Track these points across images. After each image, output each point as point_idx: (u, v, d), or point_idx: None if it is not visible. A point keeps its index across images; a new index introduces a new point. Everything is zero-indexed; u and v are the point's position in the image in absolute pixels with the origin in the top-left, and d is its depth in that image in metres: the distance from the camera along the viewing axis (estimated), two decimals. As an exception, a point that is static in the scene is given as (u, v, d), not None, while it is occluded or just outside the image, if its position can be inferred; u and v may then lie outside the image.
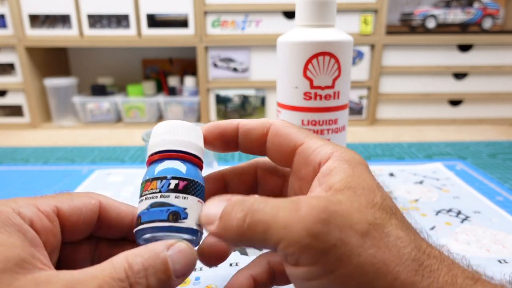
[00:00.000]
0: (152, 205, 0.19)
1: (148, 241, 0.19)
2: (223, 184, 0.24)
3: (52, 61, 1.14)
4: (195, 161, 0.21)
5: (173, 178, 0.19)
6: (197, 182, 0.20)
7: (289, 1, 0.98)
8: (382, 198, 0.18)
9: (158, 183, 0.19)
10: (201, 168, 0.22)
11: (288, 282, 0.22)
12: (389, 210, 0.17)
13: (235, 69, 1.04)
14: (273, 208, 0.17)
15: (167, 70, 1.21)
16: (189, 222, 0.19)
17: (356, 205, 0.17)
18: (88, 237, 0.22)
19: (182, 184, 0.19)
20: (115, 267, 0.15)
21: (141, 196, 0.20)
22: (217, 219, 0.18)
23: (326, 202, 0.16)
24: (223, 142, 0.23)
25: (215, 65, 1.04)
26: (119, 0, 0.99)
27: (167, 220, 0.18)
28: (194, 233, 0.19)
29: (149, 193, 0.19)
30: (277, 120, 0.22)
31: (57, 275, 0.15)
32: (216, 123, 0.23)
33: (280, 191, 0.24)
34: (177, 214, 0.19)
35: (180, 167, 0.20)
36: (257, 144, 0.23)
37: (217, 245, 0.18)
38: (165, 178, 0.19)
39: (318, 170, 0.19)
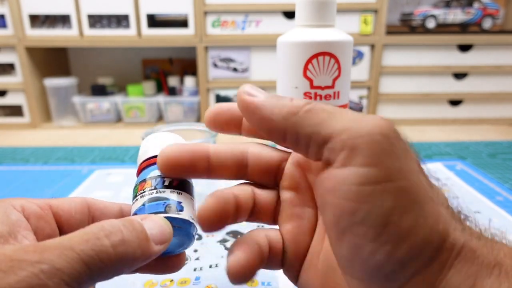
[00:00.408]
0: (149, 200, 0.19)
1: None
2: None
3: (52, 61, 1.14)
4: None
5: (166, 177, 0.20)
6: (188, 181, 0.21)
7: (289, 1, 0.98)
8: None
9: (152, 182, 0.20)
10: None
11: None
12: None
13: (235, 69, 1.04)
14: (341, 109, 0.16)
15: (167, 70, 1.21)
16: (184, 214, 0.19)
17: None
18: None
19: (176, 181, 0.20)
20: (90, 227, 0.15)
21: (135, 197, 0.20)
22: (264, 95, 0.17)
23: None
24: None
25: (215, 65, 1.04)
26: (119, 0, 0.99)
27: (164, 212, 0.18)
28: (189, 225, 0.19)
29: (144, 192, 0.20)
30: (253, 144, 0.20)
31: (23, 246, 0.14)
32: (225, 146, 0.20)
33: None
34: (173, 207, 0.19)
35: None
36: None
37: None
38: (159, 177, 0.20)
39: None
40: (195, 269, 0.29)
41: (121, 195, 0.43)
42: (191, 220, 0.19)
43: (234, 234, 0.34)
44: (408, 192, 0.14)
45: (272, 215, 0.20)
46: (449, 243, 0.14)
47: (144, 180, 0.20)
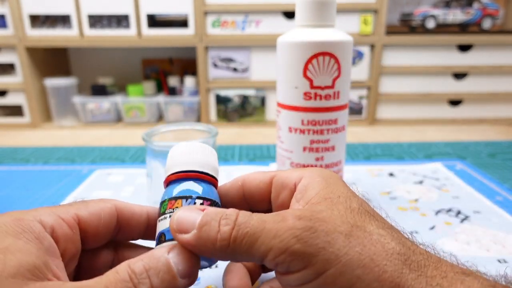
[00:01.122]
0: None
1: None
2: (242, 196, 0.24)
3: (52, 61, 1.14)
4: (211, 180, 0.22)
5: (198, 197, 0.20)
6: (217, 202, 0.21)
7: (289, 1, 0.98)
8: (359, 204, 0.19)
9: (183, 202, 0.19)
10: (216, 186, 0.22)
11: None
12: (367, 214, 0.18)
13: (235, 69, 1.04)
14: (259, 220, 0.17)
15: (167, 70, 1.21)
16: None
17: (336, 212, 0.18)
18: (106, 245, 0.22)
19: (206, 203, 0.20)
20: (118, 272, 0.16)
21: (163, 213, 0.20)
22: (194, 228, 0.17)
23: (310, 211, 0.17)
24: None
25: (215, 65, 1.04)
26: (119, 0, 0.99)
27: None
28: (207, 258, 0.19)
29: (173, 212, 0.19)
30: (247, 175, 0.23)
31: (64, 284, 0.15)
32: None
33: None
34: None
35: (196, 188, 0.20)
36: (238, 200, 0.23)
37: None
38: (190, 197, 0.20)
39: (294, 190, 0.21)
40: (195, 269, 0.29)
41: (121, 195, 0.43)
42: None
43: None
44: (342, 276, 0.16)
45: None
46: None
47: (174, 198, 0.20)
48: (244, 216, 0.17)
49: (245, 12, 0.99)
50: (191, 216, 0.18)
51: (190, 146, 0.22)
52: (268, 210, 0.23)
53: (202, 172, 0.21)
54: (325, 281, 0.16)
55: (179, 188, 0.20)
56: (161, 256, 0.17)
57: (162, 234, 0.19)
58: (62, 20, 1.02)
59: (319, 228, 0.16)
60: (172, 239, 0.18)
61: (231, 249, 0.17)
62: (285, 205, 0.21)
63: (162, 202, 0.20)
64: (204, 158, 0.22)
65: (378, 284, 0.15)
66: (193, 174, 0.21)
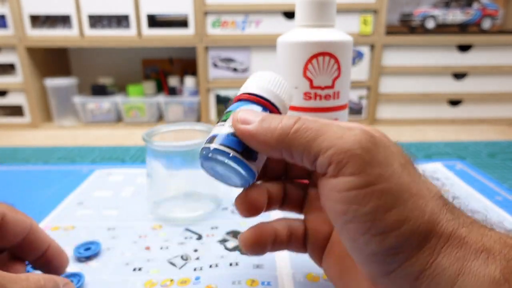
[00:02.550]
0: (234, 134, 0.20)
1: (209, 160, 0.20)
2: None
3: (52, 61, 1.14)
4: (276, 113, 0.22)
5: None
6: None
7: (289, 1, 0.98)
8: (406, 159, 0.19)
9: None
10: None
11: (300, 249, 0.23)
12: (414, 165, 0.19)
13: (235, 69, 1.04)
14: (327, 122, 0.18)
15: (167, 70, 1.21)
16: (255, 164, 0.20)
17: (393, 149, 0.18)
18: None
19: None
20: (30, 279, 0.19)
21: (223, 120, 0.21)
22: (257, 120, 0.19)
23: (373, 132, 0.18)
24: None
25: (215, 65, 1.04)
26: (119, 1, 0.99)
27: (241, 153, 0.19)
28: (252, 175, 0.20)
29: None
30: None
31: None
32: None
33: None
34: (251, 154, 0.20)
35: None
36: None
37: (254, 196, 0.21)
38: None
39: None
40: (195, 269, 0.29)
41: (121, 195, 0.43)
42: (255, 172, 0.20)
43: (234, 234, 0.34)
44: (389, 193, 0.16)
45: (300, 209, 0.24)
46: (438, 231, 0.16)
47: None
48: (310, 117, 0.19)
49: (245, 12, 0.99)
50: (254, 112, 0.20)
51: (274, 77, 0.23)
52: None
53: (273, 104, 0.22)
54: (372, 193, 0.16)
55: (246, 107, 0.21)
56: (60, 283, 0.21)
57: (214, 136, 0.20)
58: (63, 20, 1.02)
59: (382, 146, 0.17)
60: (225, 145, 0.19)
61: (289, 139, 0.18)
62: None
63: (226, 113, 0.21)
64: (281, 94, 0.22)
65: (419, 213, 0.16)
66: (265, 102, 0.22)
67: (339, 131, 0.17)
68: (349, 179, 0.17)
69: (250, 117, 0.19)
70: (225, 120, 0.21)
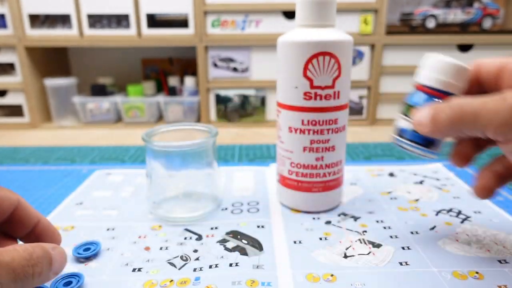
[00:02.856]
0: (415, 130, 0.26)
1: (400, 147, 0.28)
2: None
3: (52, 61, 1.14)
4: None
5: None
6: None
7: (289, 1, 0.98)
8: None
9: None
10: None
11: None
12: None
13: (235, 69, 1.04)
14: (481, 101, 0.21)
15: (167, 70, 1.21)
16: (435, 146, 0.27)
17: None
18: None
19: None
20: (17, 249, 0.20)
21: (405, 114, 0.27)
22: (429, 120, 0.23)
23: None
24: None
25: (215, 65, 1.04)
26: (119, 0, 0.99)
27: (422, 144, 0.26)
28: (433, 154, 0.27)
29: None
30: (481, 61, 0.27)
31: None
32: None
33: None
34: (431, 141, 0.26)
35: None
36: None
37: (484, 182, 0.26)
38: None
39: None
40: (195, 269, 0.29)
41: (121, 195, 0.43)
42: (435, 155, 0.27)
43: (234, 234, 0.34)
44: None
45: None
46: None
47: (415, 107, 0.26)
48: (467, 98, 0.22)
49: (245, 12, 0.99)
50: (425, 113, 0.24)
51: (448, 63, 0.26)
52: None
53: (447, 93, 0.26)
54: None
55: (422, 104, 0.26)
56: (48, 250, 0.22)
57: (401, 130, 0.27)
58: (62, 20, 1.02)
59: None
60: (411, 140, 0.27)
61: (457, 124, 0.22)
62: None
63: (407, 105, 0.27)
64: (455, 80, 0.26)
65: None
66: (439, 94, 0.26)
67: (494, 104, 0.21)
68: None
69: (424, 119, 0.24)
70: (405, 114, 0.27)
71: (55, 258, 0.22)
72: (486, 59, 0.26)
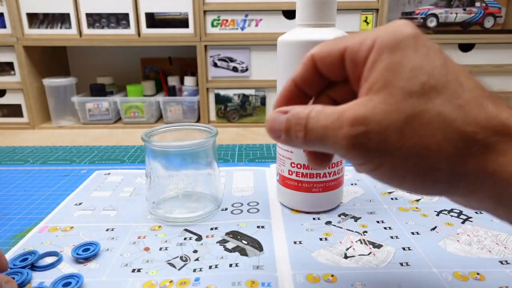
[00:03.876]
0: None
1: None
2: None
3: (51, 60, 1.14)
4: None
5: None
6: None
7: (289, 0, 0.97)
8: (426, 76, 0.17)
9: None
10: None
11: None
12: (433, 89, 0.17)
13: (235, 69, 1.04)
14: (323, 127, 0.18)
15: (167, 69, 1.20)
16: None
17: (391, 102, 0.17)
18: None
19: None
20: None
21: None
22: (282, 133, 0.20)
23: (365, 108, 0.17)
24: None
25: (215, 65, 1.03)
26: (118, 0, 0.99)
27: None
28: None
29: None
30: (316, 52, 0.21)
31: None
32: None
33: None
34: None
35: None
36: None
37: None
38: None
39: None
40: (194, 270, 0.29)
41: (120, 196, 0.43)
42: None
43: (234, 234, 0.34)
44: (399, 165, 0.17)
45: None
46: (501, 128, 0.16)
47: None
48: (313, 119, 0.19)
49: (245, 11, 0.99)
50: (278, 121, 0.20)
51: None
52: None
53: None
54: (386, 171, 0.18)
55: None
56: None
57: None
58: (61, 19, 1.02)
59: (373, 130, 0.17)
60: None
61: (310, 147, 0.20)
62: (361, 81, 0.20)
63: None
64: None
65: (436, 170, 0.17)
66: None
67: (333, 134, 0.18)
68: (364, 167, 0.18)
69: (276, 130, 0.21)
70: None
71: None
72: (320, 53, 0.21)
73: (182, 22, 1.02)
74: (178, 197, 0.39)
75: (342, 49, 0.20)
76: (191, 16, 1.00)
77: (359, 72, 0.19)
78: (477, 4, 1.05)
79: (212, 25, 1.01)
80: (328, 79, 0.22)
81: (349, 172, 0.49)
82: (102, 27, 1.02)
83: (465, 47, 1.03)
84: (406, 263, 0.29)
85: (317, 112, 0.19)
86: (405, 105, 0.17)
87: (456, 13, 1.05)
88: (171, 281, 0.27)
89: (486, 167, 0.16)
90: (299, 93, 0.23)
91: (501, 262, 0.29)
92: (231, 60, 1.03)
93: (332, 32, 0.34)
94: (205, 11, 0.99)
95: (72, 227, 0.35)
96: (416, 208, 0.39)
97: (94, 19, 1.01)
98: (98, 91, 1.08)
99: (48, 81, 1.05)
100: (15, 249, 0.31)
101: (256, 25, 1.01)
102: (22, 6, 0.99)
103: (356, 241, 0.32)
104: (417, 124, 0.16)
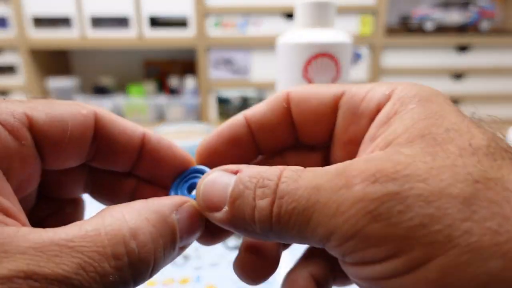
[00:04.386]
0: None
1: None
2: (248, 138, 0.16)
3: (54, 62, 1.15)
4: None
5: None
6: None
7: (289, 2, 0.98)
8: (487, 137, 0.11)
9: None
10: None
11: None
12: (504, 154, 0.11)
13: (235, 70, 1.04)
14: (310, 188, 0.11)
15: (168, 71, 1.21)
16: None
17: (442, 158, 0.10)
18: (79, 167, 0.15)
19: None
20: (107, 233, 0.10)
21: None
22: (226, 203, 0.12)
23: (392, 162, 0.11)
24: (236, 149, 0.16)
25: (216, 66, 1.04)
26: (120, 3, 1.00)
27: None
28: None
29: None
30: (295, 90, 0.15)
31: (23, 233, 0.10)
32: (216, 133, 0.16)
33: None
34: None
35: None
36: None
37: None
38: None
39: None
40: (195, 268, 0.29)
41: (123, 195, 0.43)
42: None
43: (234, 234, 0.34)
44: (457, 266, 0.09)
45: None
46: None
47: None
48: (290, 179, 0.11)
49: (245, 13, 1.00)
50: (221, 184, 0.12)
51: None
52: (326, 143, 0.16)
53: None
54: (429, 276, 0.10)
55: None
56: (168, 216, 0.12)
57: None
58: (64, 22, 1.03)
59: (411, 193, 0.10)
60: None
61: (275, 231, 0.11)
62: (357, 141, 0.14)
63: None
64: None
65: None
66: None
67: (332, 198, 0.11)
68: (382, 267, 0.10)
69: (215, 198, 0.12)
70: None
71: (181, 228, 0.13)
72: (302, 91, 0.15)
73: (183, 25, 1.02)
74: (180, 196, 0.39)
75: (338, 93, 0.14)
76: (192, 19, 1.01)
77: (360, 128, 0.14)
78: (473, 7, 1.05)
79: (213, 27, 1.01)
80: (298, 133, 0.15)
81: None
82: (105, 30, 1.03)
83: (462, 49, 1.04)
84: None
85: (296, 171, 0.12)
86: (470, 162, 0.10)
87: (453, 16, 1.06)
88: (172, 279, 0.28)
89: None
90: (247, 141, 0.15)
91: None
92: (232, 61, 1.04)
93: (331, 34, 0.34)
94: (206, 14, 1.00)
95: (76, 225, 0.36)
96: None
97: (97, 22, 1.02)
98: (101, 91, 1.08)
99: (51, 82, 1.05)
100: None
101: (256, 27, 1.01)
102: (26, 9, 1.00)
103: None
104: (495, 193, 0.10)
